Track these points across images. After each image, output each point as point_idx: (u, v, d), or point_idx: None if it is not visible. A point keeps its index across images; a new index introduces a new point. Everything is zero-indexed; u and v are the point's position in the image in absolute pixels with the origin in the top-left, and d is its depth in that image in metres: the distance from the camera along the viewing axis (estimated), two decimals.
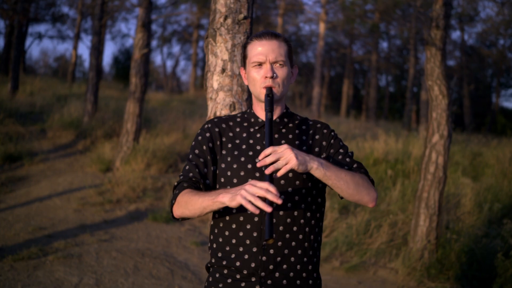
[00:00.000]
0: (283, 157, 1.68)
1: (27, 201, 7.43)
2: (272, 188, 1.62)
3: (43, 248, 5.43)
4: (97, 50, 12.60)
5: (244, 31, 2.91)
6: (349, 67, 30.85)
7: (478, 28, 25.96)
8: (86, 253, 5.38)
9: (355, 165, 1.95)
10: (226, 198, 1.68)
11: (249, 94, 2.97)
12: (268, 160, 1.68)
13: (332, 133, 2.01)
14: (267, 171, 1.67)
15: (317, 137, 2.00)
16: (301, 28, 30.62)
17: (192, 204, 1.80)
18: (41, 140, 10.68)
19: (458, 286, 5.20)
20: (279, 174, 1.68)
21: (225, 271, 1.90)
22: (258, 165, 1.70)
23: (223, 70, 2.88)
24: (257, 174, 1.88)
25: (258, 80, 1.93)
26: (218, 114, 2.88)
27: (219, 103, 2.89)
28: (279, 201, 1.60)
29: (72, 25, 27.54)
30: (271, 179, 1.69)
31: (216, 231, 1.96)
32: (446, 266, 5.39)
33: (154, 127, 11.63)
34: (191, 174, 1.93)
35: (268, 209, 1.60)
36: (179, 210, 1.87)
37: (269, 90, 1.90)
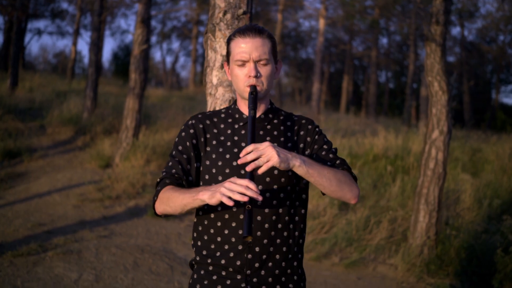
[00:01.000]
0: (264, 155, 1.67)
1: (27, 197, 7.43)
2: (251, 185, 1.61)
3: (42, 244, 5.43)
4: (96, 46, 12.57)
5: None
6: (348, 63, 30.82)
7: (478, 24, 25.96)
8: (85, 249, 5.38)
9: (338, 161, 1.95)
10: (206, 196, 1.67)
11: None
12: (250, 157, 1.67)
13: (317, 129, 2.00)
14: (248, 168, 1.66)
15: (301, 133, 1.99)
16: (301, 24, 30.63)
17: (173, 201, 1.79)
18: (41, 136, 10.67)
19: (457, 282, 5.21)
20: (260, 171, 1.68)
21: (210, 268, 1.89)
22: (239, 162, 1.69)
23: (223, 66, 2.87)
24: (242, 172, 1.87)
25: (241, 78, 1.91)
26: (217, 109, 2.88)
27: (218, 99, 2.88)
28: (260, 198, 1.60)
29: (72, 21, 27.48)
30: (252, 176, 1.68)
31: (200, 228, 1.95)
32: (445, 262, 5.40)
33: (154, 123, 11.62)
34: (173, 171, 1.91)
35: (244, 198, 1.59)
36: (161, 206, 1.86)
37: (253, 88, 1.89)
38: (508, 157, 9.55)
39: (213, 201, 1.65)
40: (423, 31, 5.87)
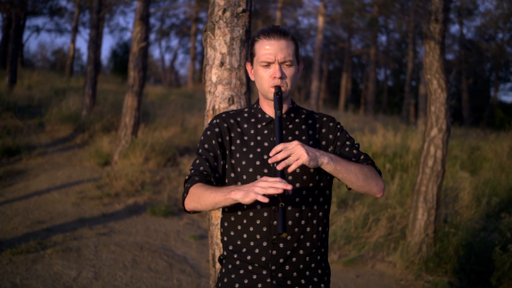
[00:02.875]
0: (294, 153, 1.72)
1: (26, 195, 7.43)
2: (283, 182, 1.66)
3: (41, 242, 5.44)
4: (95, 44, 12.56)
5: (243, 24, 2.90)
6: (347, 61, 30.80)
7: (477, 21, 25.93)
8: (84, 247, 5.39)
9: (362, 157, 2.00)
10: (239, 195, 1.71)
11: (248, 88, 2.96)
12: (280, 156, 1.72)
13: (338, 126, 2.05)
14: (279, 167, 1.71)
15: (323, 130, 2.04)
16: (300, 21, 30.54)
17: (204, 199, 1.83)
18: (39, 134, 10.66)
19: (455, 280, 5.22)
20: (290, 169, 1.72)
21: (237, 263, 1.94)
22: (270, 161, 1.73)
23: (222, 64, 2.87)
24: (265, 171, 1.93)
25: (266, 79, 1.96)
26: (216, 107, 2.88)
27: (217, 97, 2.88)
28: (289, 187, 1.65)
29: (70, 18, 27.43)
30: (283, 174, 1.74)
31: (226, 224, 2.00)
32: (444, 260, 5.41)
33: (153, 121, 11.61)
34: (201, 168, 1.96)
35: (279, 190, 1.64)
36: (191, 203, 1.90)
37: (278, 89, 1.94)
38: (507, 155, 9.56)
39: (246, 200, 1.69)
40: (422, 29, 5.88)
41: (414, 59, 23.51)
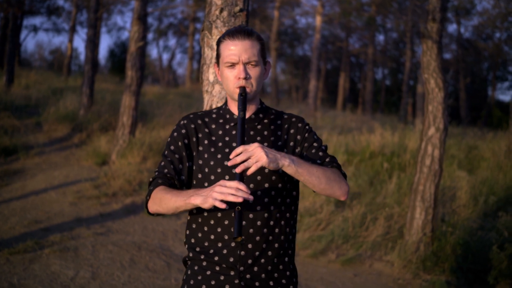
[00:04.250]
0: (253, 156, 1.71)
1: (23, 195, 7.41)
2: (242, 186, 1.65)
3: (39, 242, 5.43)
4: (92, 43, 12.55)
5: (240, 24, 2.90)
6: (345, 60, 30.82)
7: (474, 21, 25.96)
8: (82, 247, 5.38)
9: (327, 159, 1.98)
10: (198, 201, 1.70)
11: None
12: (239, 158, 1.71)
13: (307, 127, 2.03)
14: (237, 170, 1.70)
15: (292, 131, 2.03)
16: (298, 21, 30.55)
17: (166, 202, 1.83)
18: (37, 133, 10.64)
19: (453, 279, 5.23)
20: (249, 172, 1.71)
21: (204, 264, 1.92)
22: (229, 163, 1.73)
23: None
24: (234, 171, 1.90)
25: (231, 79, 1.95)
26: (214, 107, 2.88)
27: (215, 96, 2.88)
28: (250, 197, 1.64)
29: (68, 17, 27.38)
30: (242, 177, 1.72)
31: (194, 226, 1.98)
32: (441, 259, 5.42)
33: (150, 121, 11.60)
34: (166, 171, 1.95)
35: (239, 199, 1.63)
36: (153, 207, 1.90)
37: (243, 89, 1.93)
38: (504, 154, 9.58)
39: (206, 205, 1.68)
40: (420, 28, 5.88)
41: (412, 59, 23.53)
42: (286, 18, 27.38)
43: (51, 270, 4.76)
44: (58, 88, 15.80)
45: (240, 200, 1.63)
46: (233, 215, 1.88)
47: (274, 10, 24.10)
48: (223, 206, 1.63)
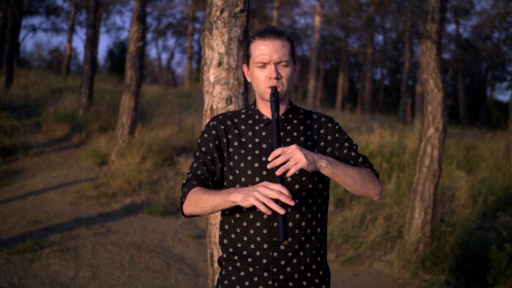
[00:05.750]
0: (292, 158, 1.71)
1: (22, 195, 7.41)
2: (284, 190, 1.64)
3: (38, 242, 5.43)
4: (91, 43, 12.54)
5: (241, 25, 2.90)
6: (344, 60, 30.83)
7: (473, 21, 25.99)
8: (82, 247, 5.39)
9: (360, 159, 1.98)
10: (238, 198, 1.70)
11: (245, 88, 2.97)
12: (278, 161, 1.70)
13: (337, 127, 2.03)
14: (278, 172, 1.69)
15: (322, 131, 2.02)
16: (297, 21, 30.58)
17: (203, 202, 1.82)
18: (36, 133, 10.64)
19: (452, 278, 5.24)
20: (289, 174, 1.71)
21: (238, 264, 1.93)
22: (269, 166, 1.72)
23: (220, 64, 2.88)
24: (264, 173, 1.91)
25: (262, 80, 1.94)
26: (214, 107, 2.88)
27: (215, 97, 2.89)
28: (292, 203, 1.63)
29: (67, 17, 27.36)
30: (282, 180, 1.72)
31: (226, 227, 1.99)
32: (440, 259, 5.43)
33: (150, 121, 11.60)
34: (199, 172, 1.95)
35: (281, 211, 1.63)
36: (189, 208, 1.89)
37: (274, 89, 1.92)
38: (503, 154, 9.60)
39: (245, 204, 1.68)
40: (419, 28, 5.89)
41: (411, 59, 23.54)
42: (285, 18, 27.40)
43: (51, 270, 4.77)
44: (57, 88, 15.79)
45: (282, 212, 1.62)
46: (264, 217, 1.89)
47: (273, 10, 24.10)
48: (268, 212, 1.62)
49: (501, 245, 5.41)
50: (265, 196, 1.64)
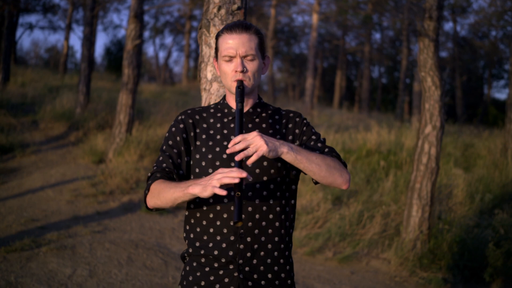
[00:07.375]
0: (253, 144, 1.70)
1: (20, 193, 7.40)
2: (241, 172, 1.63)
3: (36, 240, 5.42)
4: (89, 41, 12.51)
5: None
6: (342, 59, 30.85)
7: (470, 19, 26.06)
8: (79, 245, 5.38)
9: (326, 149, 1.98)
10: (197, 190, 1.68)
11: None
12: (238, 147, 1.69)
13: (304, 121, 2.05)
14: (237, 158, 1.68)
15: (290, 125, 2.04)
16: (294, 19, 30.60)
17: (164, 194, 1.81)
18: (33, 131, 10.62)
19: (449, 276, 5.25)
20: (250, 161, 1.69)
21: (203, 260, 1.92)
22: (228, 151, 1.71)
23: None
24: (232, 164, 1.89)
25: (229, 73, 1.95)
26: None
27: (213, 94, 2.89)
28: (250, 178, 1.63)
29: (64, 15, 27.29)
30: (241, 166, 1.70)
31: (192, 221, 1.98)
32: (438, 256, 5.44)
33: (147, 119, 11.59)
34: (164, 165, 1.96)
35: (235, 180, 1.61)
36: (152, 200, 1.89)
37: (240, 82, 1.93)
38: (500, 152, 9.62)
39: (205, 194, 1.66)
40: (416, 26, 5.89)
41: (408, 57, 23.57)
42: (283, 16, 27.38)
43: (48, 268, 4.76)
44: (54, 86, 15.76)
45: (236, 181, 1.61)
46: (232, 208, 1.87)
47: (271, 8, 24.11)
48: (223, 193, 1.61)
49: (498, 243, 5.42)
50: (218, 180, 1.63)
